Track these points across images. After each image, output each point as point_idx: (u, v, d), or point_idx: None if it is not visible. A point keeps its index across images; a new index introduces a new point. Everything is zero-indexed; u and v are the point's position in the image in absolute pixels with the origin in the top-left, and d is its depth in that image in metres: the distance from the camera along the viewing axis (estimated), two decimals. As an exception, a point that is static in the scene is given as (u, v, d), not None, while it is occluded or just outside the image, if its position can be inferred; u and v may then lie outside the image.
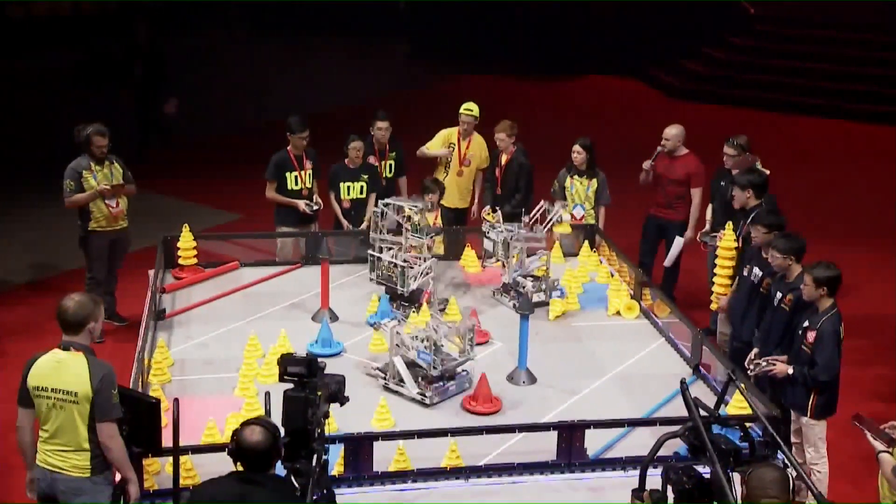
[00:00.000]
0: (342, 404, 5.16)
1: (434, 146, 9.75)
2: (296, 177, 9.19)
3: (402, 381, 6.73)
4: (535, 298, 7.88)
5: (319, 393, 4.91)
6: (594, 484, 5.94)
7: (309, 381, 4.88)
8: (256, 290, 8.56)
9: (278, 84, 20.60)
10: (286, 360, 4.91)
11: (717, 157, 9.11)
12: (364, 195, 9.38)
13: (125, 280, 9.46)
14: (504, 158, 9.43)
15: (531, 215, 8.20)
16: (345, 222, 9.37)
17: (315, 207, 9.24)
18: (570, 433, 5.95)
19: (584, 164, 9.20)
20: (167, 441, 5.44)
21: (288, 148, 9.23)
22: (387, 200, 8.04)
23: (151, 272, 8.78)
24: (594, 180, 9.25)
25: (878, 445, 5.14)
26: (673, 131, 9.29)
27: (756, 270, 7.12)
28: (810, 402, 6.33)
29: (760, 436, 5.71)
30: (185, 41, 22.16)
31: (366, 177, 9.37)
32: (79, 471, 5.13)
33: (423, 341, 6.64)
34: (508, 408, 6.64)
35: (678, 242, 9.15)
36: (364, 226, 9.23)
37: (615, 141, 14.11)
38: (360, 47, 24.14)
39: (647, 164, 9.33)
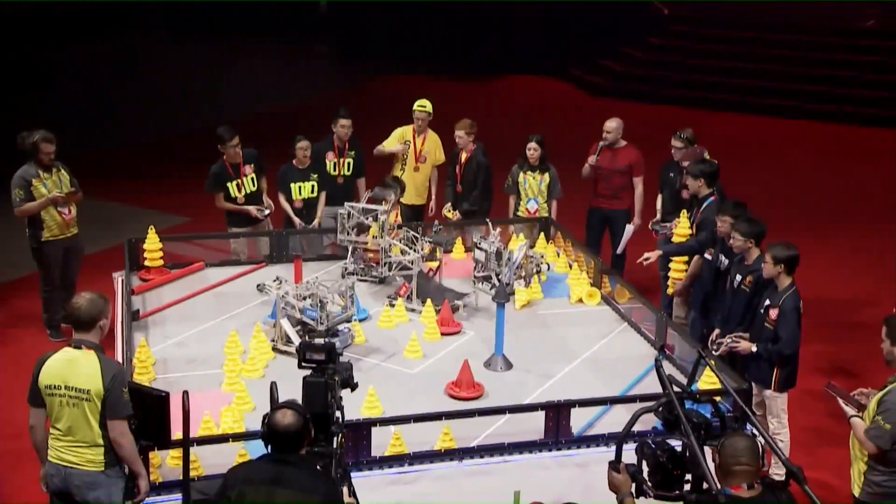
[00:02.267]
0: (353, 390, 5.36)
1: (390, 144, 9.97)
2: (237, 185, 9.30)
3: (289, 340, 7.12)
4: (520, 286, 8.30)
5: (336, 378, 5.11)
6: (580, 460, 6.25)
7: (328, 367, 5.07)
8: (225, 289, 8.66)
9: (201, 88, 20.51)
10: (306, 347, 5.09)
11: (643, 151, 9.66)
12: (315, 194, 9.55)
13: (83, 285, 9.41)
14: (464, 156, 9.70)
15: None
16: (297, 220, 9.51)
17: (266, 212, 9.39)
18: (557, 412, 6.25)
19: (538, 159, 9.53)
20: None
21: (223, 158, 9.33)
22: (353, 203, 8.35)
23: (115, 275, 8.84)
24: (546, 175, 9.59)
25: (850, 411, 5.58)
26: (613, 124, 9.69)
27: (722, 258, 7.54)
28: (774, 376, 6.78)
29: (730, 410, 6.10)
30: (100, 45, 21.88)
31: (315, 176, 9.54)
32: (93, 465, 5.22)
33: (307, 299, 7.14)
34: (490, 392, 6.93)
35: (628, 231, 9.56)
36: (315, 223, 9.42)
37: (545, 139, 14.53)
38: (284, 49, 24.15)
39: (592, 160, 9.70)
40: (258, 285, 8.14)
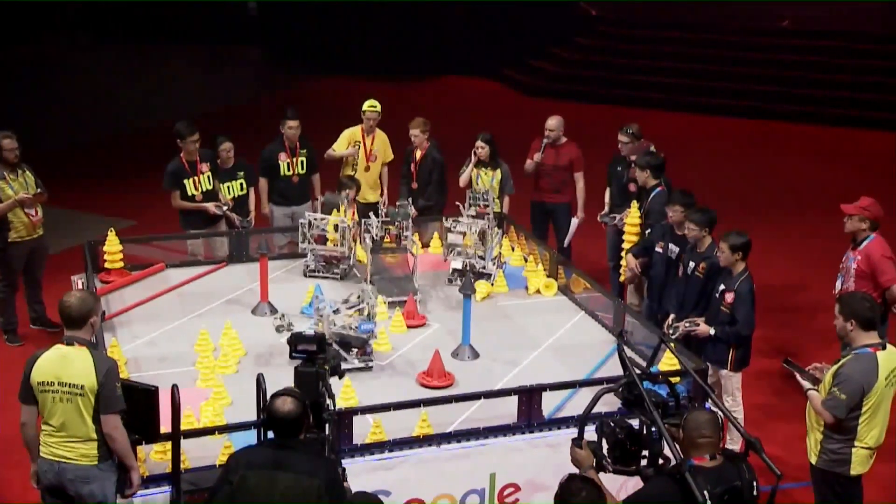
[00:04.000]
0: (340, 378, 5.54)
1: (340, 146, 10.12)
2: (194, 182, 9.36)
3: (344, 358, 7.13)
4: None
5: (326, 367, 5.28)
6: (552, 441, 6.50)
7: (318, 357, 5.24)
8: (188, 289, 8.71)
9: (129, 92, 20.32)
10: (297, 338, 5.25)
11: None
12: (244, 191, 9.69)
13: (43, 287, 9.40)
14: (418, 154, 9.91)
15: None
16: (234, 216, 9.55)
17: (224, 207, 9.46)
18: (529, 397, 6.50)
19: (488, 156, 9.78)
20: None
21: (181, 155, 9.38)
22: (313, 215, 8.57)
23: (74, 277, 8.81)
24: (498, 171, 9.85)
25: (806, 384, 5.95)
26: (554, 122, 10.01)
27: (672, 246, 7.90)
28: (730, 357, 7.15)
29: (688, 391, 6.43)
30: (20, 49, 21.50)
31: (242, 174, 9.67)
32: (87, 459, 5.29)
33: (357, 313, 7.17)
34: (460, 381, 7.15)
35: (574, 224, 9.88)
36: (250, 217, 9.61)
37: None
38: (215, 52, 24.03)
39: (536, 156, 9.99)
40: (277, 328, 7.79)
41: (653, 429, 4.80)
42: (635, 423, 5.08)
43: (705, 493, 4.26)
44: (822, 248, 11.55)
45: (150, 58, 23.40)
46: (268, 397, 5.20)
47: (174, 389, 5.52)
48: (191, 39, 24.15)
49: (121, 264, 8.67)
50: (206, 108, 18.26)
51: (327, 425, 5.18)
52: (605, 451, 4.99)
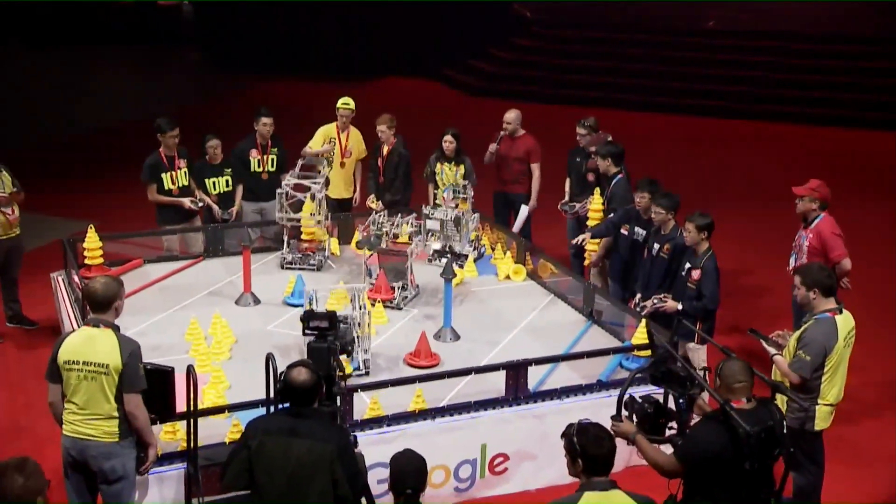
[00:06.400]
0: (349, 355, 5.87)
1: (316, 144, 10.37)
2: (171, 177, 9.56)
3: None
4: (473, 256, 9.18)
5: (337, 344, 5.61)
6: (537, 412, 6.94)
7: (329, 333, 5.56)
8: (168, 283, 8.95)
9: (66, 97, 20.19)
10: (309, 316, 5.57)
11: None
12: (230, 188, 9.93)
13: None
14: (385, 149, 10.21)
15: None
16: (216, 208, 9.78)
17: (200, 204, 9.67)
18: (517, 371, 6.91)
19: (453, 151, 10.15)
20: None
21: (160, 150, 9.57)
22: (290, 180, 8.92)
23: (53, 274, 9.00)
24: (462, 166, 10.22)
25: (772, 350, 6.45)
26: (511, 115, 10.41)
27: (638, 229, 8.37)
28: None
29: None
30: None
31: (229, 171, 9.91)
32: (109, 437, 5.51)
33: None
34: (445, 360, 7.54)
35: (524, 210, 10.27)
36: (234, 210, 9.83)
37: (429, 136, 15.21)
38: (153, 56, 23.95)
39: (492, 147, 10.36)
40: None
41: (680, 401, 5.20)
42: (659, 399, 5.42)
43: (746, 426, 4.69)
44: (762, 236, 12.24)
45: (86, 63, 23.23)
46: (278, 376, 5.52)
47: (191, 370, 5.79)
48: (132, 44, 24.01)
49: (101, 260, 8.84)
50: (153, 109, 18.27)
51: (338, 398, 5.50)
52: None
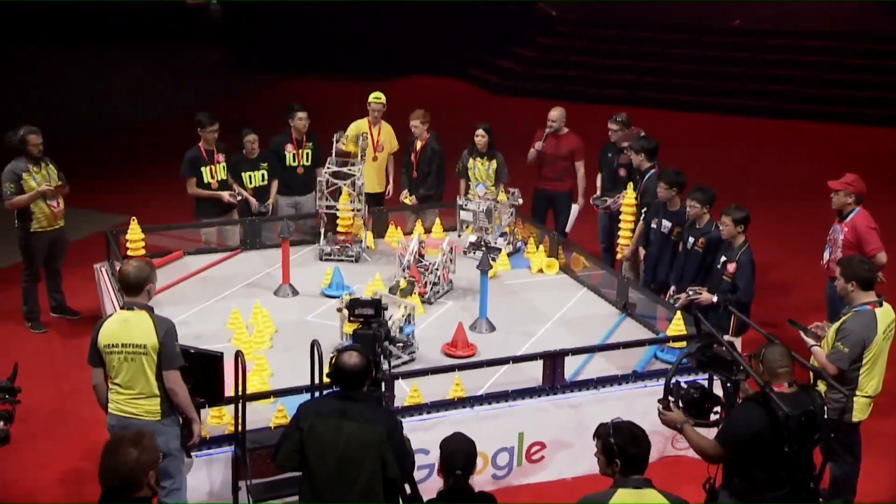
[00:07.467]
0: (392, 343, 5.98)
1: (349, 139, 10.49)
2: (210, 170, 9.71)
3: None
4: (507, 250, 9.30)
5: (382, 331, 5.72)
6: (574, 402, 7.03)
7: (375, 321, 5.68)
8: (207, 275, 9.12)
9: (85, 97, 20.37)
10: (355, 303, 5.68)
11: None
12: (265, 182, 10.07)
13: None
14: (419, 144, 10.33)
15: None
16: (254, 201, 9.94)
17: (238, 197, 9.82)
18: (553, 361, 7.01)
19: (486, 146, 10.24)
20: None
21: (199, 144, 9.73)
22: (329, 167, 9.18)
23: (96, 265, 9.19)
24: (494, 161, 10.31)
25: (810, 341, 6.51)
26: (556, 114, 10.45)
27: (665, 222, 8.45)
28: (731, 322, 7.72)
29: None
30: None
31: (265, 165, 10.05)
32: (151, 415, 5.66)
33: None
34: (481, 351, 7.64)
35: (574, 210, 10.38)
36: (269, 202, 10.00)
37: (455, 134, 15.33)
38: (180, 55, 24.12)
39: (538, 145, 10.38)
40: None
41: (727, 384, 5.28)
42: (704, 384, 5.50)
43: (785, 409, 4.78)
44: (791, 232, 12.27)
45: (113, 63, 23.41)
46: (323, 362, 5.63)
47: (239, 354, 5.91)
48: (156, 44, 24.20)
49: (143, 251, 8.99)
50: (179, 108, 18.48)
51: (383, 384, 5.61)
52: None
